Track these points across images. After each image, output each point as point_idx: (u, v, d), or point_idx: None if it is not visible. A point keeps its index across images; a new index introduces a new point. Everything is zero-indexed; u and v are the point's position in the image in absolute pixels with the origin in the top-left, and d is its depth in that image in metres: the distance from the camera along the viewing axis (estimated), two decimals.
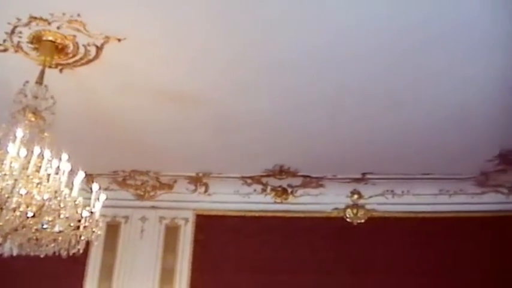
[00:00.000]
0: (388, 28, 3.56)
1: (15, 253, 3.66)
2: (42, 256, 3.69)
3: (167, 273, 5.93)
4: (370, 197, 6.15)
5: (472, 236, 6.06)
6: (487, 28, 3.55)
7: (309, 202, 6.12)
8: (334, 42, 3.71)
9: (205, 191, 6.12)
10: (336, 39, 3.67)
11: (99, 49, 3.81)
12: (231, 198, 6.12)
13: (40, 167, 3.38)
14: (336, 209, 6.13)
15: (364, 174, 5.91)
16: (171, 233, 6.10)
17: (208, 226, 6.09)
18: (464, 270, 5.89)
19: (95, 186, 3.80)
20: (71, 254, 3.63)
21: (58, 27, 3.58)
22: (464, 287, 5.79)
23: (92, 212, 3.68)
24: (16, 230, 3.34)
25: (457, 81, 4.26)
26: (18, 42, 3.74)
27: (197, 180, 6.05)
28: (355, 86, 4.26)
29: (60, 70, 4.03)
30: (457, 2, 3.32)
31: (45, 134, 3.59)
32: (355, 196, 6.14)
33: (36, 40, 3.70)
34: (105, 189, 5.59)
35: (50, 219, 3.42)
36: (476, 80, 4.23)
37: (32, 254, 3.67)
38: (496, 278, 5.80)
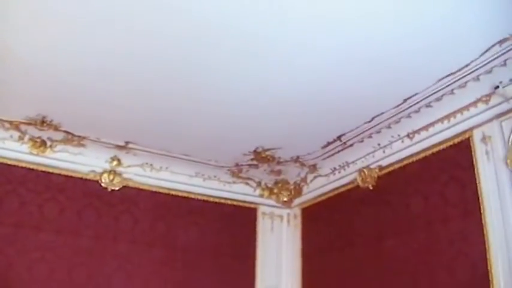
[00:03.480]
0: None
1: None
2: None
3: None
4: (129, 166, 6.22)
5: (216, 219, 6.59)
6: None
7: (66, 160, 5.93)
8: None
9: None
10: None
11: None
12: None
13: None
14: (93, 171, 6.05)
15: (127, 142, 5.95)
16: None
17: None
18: (201, 249, 6.38)
19: None
20: None
21: None
22: (194, 262, 6.28)
23: None
24: None
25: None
26: None
27: None
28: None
29: None
30: None
31: None
32: (115, 163, 6.14)
33: None
34: None
35: None
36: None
37: None
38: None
